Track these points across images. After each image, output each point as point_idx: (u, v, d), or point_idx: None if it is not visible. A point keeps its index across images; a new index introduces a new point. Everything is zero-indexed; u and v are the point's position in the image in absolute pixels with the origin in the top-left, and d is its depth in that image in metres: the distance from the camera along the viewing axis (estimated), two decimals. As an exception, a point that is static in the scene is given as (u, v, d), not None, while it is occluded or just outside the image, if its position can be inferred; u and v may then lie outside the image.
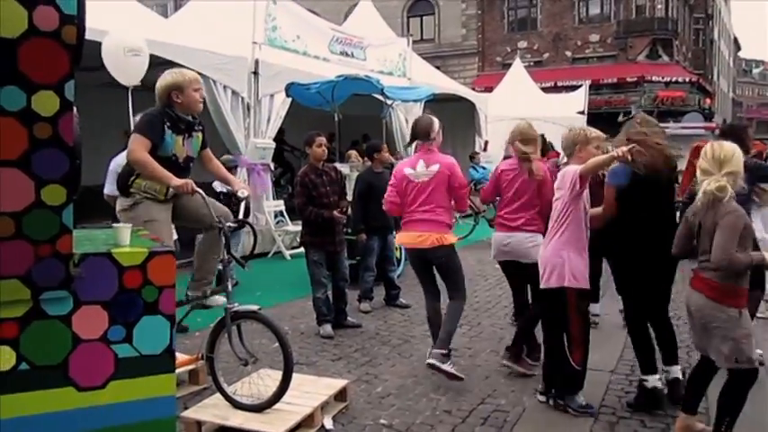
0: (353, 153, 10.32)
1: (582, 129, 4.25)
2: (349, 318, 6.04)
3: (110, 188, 5.68)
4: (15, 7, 2.14)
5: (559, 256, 3.91)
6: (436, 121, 4.74)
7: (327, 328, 5.71)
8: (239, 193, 4.10)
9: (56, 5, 2.18)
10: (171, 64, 7.98)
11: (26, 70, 2.18)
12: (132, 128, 5.25)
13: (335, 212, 5.72)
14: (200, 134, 4.06)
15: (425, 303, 4.95)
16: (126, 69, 6.82)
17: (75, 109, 2.29)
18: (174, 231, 4.65)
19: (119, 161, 5.15)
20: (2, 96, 2.16)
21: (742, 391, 3.40)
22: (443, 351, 4.52)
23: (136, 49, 6.96)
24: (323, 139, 5.85)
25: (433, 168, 4.61)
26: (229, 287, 3.83)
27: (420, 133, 4.75)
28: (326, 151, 5.89)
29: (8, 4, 2.12)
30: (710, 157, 3.40)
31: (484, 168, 13.24)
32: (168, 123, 3.83)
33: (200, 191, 3.82)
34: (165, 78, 3.89)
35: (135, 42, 7.01)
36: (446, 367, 4.46)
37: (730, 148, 3.42)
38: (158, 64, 7.87)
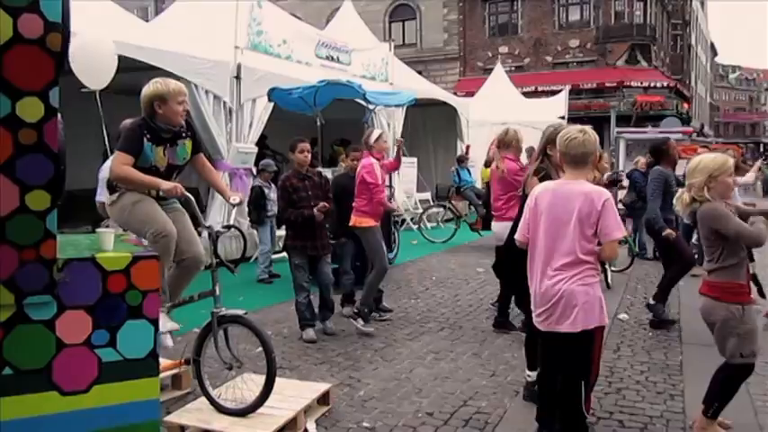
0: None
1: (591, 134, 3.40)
2: (327, 322, 5.95)
3: (102, 195, 5.35)
4: (0, 15, 2.15)
5: (592, 289, 3.24)
6: (375, 132, 6.40)
7: (310, 333, 5.71)
8: (231, 200, 4.11)
9: (40, 13, 2.20)
10: (152, 68, 7.97)
11: (11, 77, 2.20)
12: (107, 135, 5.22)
13: (315, 210, 5.64)
14: (187, 141, 4.05)
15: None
16: (95, 72, 6.51)
17: (59, 115, 2.31)
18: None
19: (107, 168, 5.06)
20: (-13, 103, 2.18)
21: (737, 383, 3.64)
22: (354, 310, 6.06)
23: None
24: (306, 145, 5.86)
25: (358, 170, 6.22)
26: (217, 291, 3.84)
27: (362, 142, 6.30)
28: (309, 157, 5.88)
29: (-7, 12, 2.14)
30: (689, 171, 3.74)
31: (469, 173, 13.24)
32: (148, 135, 3.83)
33: (190, 195, 3.83)
34: (149, 88, 3.87)
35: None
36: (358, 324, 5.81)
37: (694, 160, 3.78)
38: (139, 69, 7.86)
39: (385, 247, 6.16)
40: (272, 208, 8.50)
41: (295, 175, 5.82)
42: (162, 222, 3.75)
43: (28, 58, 2.20)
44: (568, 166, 3.34)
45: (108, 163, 5.00)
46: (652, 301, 6.27)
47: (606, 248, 3.21)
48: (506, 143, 6.21)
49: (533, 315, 3.42)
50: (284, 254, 9.42)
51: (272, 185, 8.58)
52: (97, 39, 6.50)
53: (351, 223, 6.08)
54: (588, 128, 3.37)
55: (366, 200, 6.04)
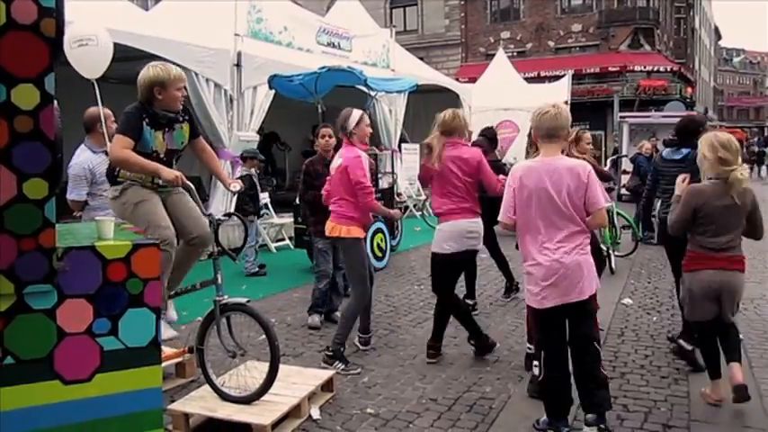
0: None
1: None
2: (338, 313, 5.86)
3: (75, 193, 5.00)
4: (-7, 1, 2.13)
5: (589, 257, 3.39)
6: (354, 114, 4.84)
7: (315, 319, 5.71)
8: (231, 188, 4.10)
9: (34, -2, 2.17)
10: (152, 57, 7.91)
11: (5, 64, 2.17)
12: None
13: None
14: (185, 125, 4.02)
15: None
16: (80, 61, 6.41)
17: (55, 102, 2.28)
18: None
19: (79, 164, 4.96)
20: (-19, 90, 2.15)
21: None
22: (328, 353, 4.70)
23: (82, 38, 6.60)
24: (327, 130, 5.80)
25: (336, 162, 4.86)
26: (219, 280, 3.83)
27: (338, 127, 4.94)
28: (331, 141, 5.78)
29: (-14, -2, 2.11)
30: (730, 148, 3.75)
31: None
32: (147, 119, 3.80)
33: (191, 184, 3.81)
34: (149, 72, 3.80)
35: (80, 31, 6.63)
36: (332, 370, 4.44)
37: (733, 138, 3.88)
38: (139, 57, 7.81)
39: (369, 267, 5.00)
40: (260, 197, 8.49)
41: (320, 160, 5.82)
42: (164, 228, 3.72)
43: (22, 44, 2.17)
44: (543, 141, 3.43)
45: (76, 159, 4.96)
46: (689, 347, 4.67)
47: (597, 216, 3.35)
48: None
49: (531, 294, 3.40)
50: (286, 242, 9.53)
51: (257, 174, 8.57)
52: (92, 28, 6.38)
53: (329, 232, 4.85)
54: (561, 103, 3.51)
55: (353, 203, 4.76)
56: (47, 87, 2.24)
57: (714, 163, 3.78)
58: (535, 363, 4.10)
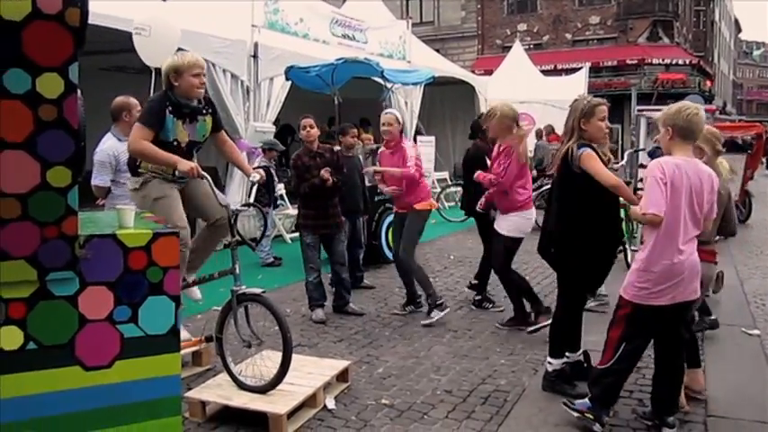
0: (365, 137, 10.24)
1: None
2: (351, 305, 5.95)
3: (99, 179, 5.02)
4: (19, -10, 2.15)
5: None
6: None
7: (319, 313, 5.68)
8: (251, 177, 4.13)
9: (59, -12, 2.19)
10: (170, 47, 7.96)
11: (30, 53, 2.19)
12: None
13: (325, 174, 5.50)
14: (207, 117, 4.04)
15: None
16: (139, 48, 6.55)
17: (79, 91, 2.31)
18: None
19: (104, 150, 5.01)
20: (7, 79, 2.18)
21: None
22: (436, 304, 5.64)
23: (137, 26, 6.71)
24: (307, 121, 5.69)
25: (411, 152, 5.99)
26: (237, 269, 3.85)
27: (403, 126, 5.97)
28: (312, 132, 5.70)
29: (11, -13, 2.13)
30: (721, 140, 3.91)
31: None
32: (170, 107, 3.83)
33: (206, 175, 3.83)
34: (167, 61, 3.90)
35: (139, 20, 6.72)
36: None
37: None
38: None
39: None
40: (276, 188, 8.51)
41: (306, 152, 5.74)
42: (181, 228, 3.75)
43: (47, 33, 2.19)
44: (684, 142, 3.35)
45: (102, 146, 5.01)
46: None
47: (706, 226, 3.48)
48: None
49: (643, 290, 3.35)
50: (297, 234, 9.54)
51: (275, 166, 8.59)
52: (150, 19, 6.66)
53: (416, 207, 5.77)
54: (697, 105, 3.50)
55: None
56: (71, 76, 2.26)
57: (713, 156, 3.82)
58: (549, 359, 4.11)
